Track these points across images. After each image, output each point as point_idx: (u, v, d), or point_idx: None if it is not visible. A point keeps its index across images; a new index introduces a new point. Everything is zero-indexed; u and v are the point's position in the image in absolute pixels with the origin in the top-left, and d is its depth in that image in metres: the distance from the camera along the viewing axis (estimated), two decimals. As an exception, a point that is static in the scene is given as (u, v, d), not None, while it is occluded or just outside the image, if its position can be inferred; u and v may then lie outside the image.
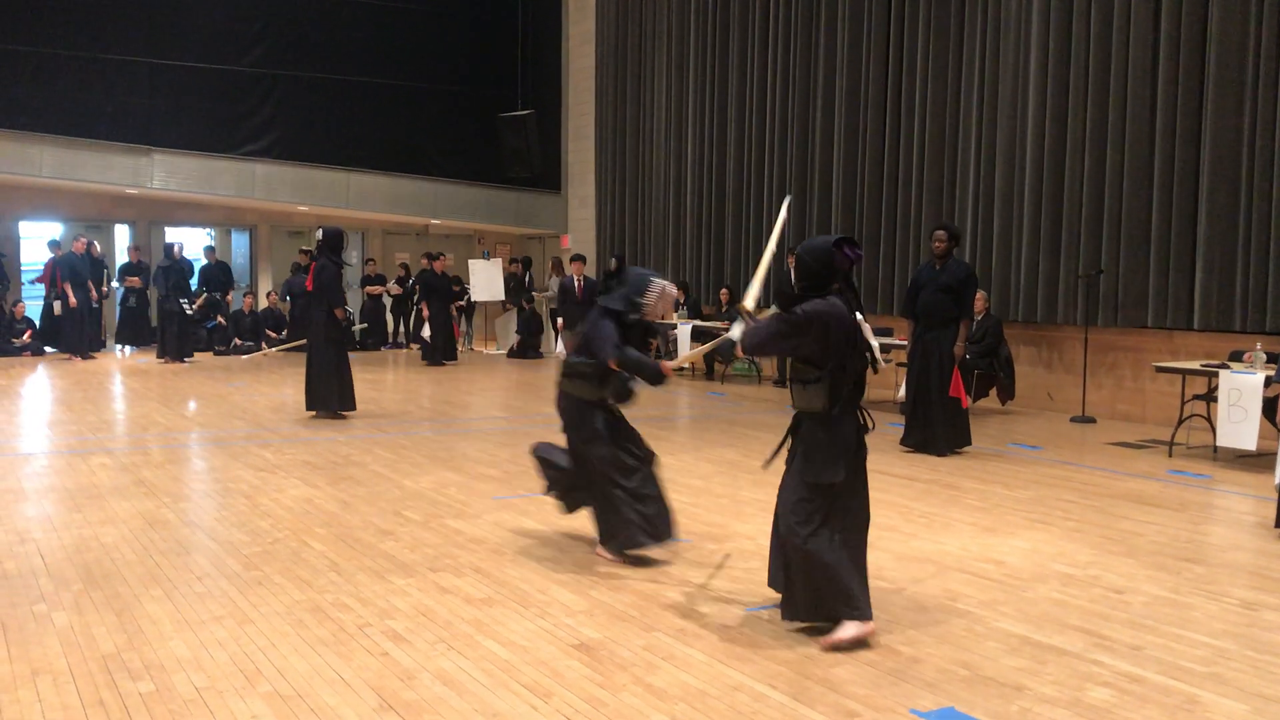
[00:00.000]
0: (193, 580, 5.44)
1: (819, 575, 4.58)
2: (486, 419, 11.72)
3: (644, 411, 12.15)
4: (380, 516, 6.88)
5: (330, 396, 11.02)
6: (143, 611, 4.94)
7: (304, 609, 5.01)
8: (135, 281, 18.45)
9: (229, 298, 19.60)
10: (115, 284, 18.69)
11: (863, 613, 4.59)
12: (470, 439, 10.12)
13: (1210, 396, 9.38)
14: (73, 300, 17.24)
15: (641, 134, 19.77)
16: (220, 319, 19.00)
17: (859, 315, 4.77)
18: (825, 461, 4.64)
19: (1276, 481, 6.78)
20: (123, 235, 20.82)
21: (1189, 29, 10.97)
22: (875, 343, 4.84)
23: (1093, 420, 11.54)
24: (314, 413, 11.09)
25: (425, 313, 18.11)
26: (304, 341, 11.73)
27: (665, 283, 6.07)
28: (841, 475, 4.63)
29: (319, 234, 11.27)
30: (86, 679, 4.13)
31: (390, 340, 20.82)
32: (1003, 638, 4.72)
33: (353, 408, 11.17)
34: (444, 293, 18.10)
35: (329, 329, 11.03)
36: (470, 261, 19.42)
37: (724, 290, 16.58)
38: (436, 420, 11.32)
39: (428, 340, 17.78)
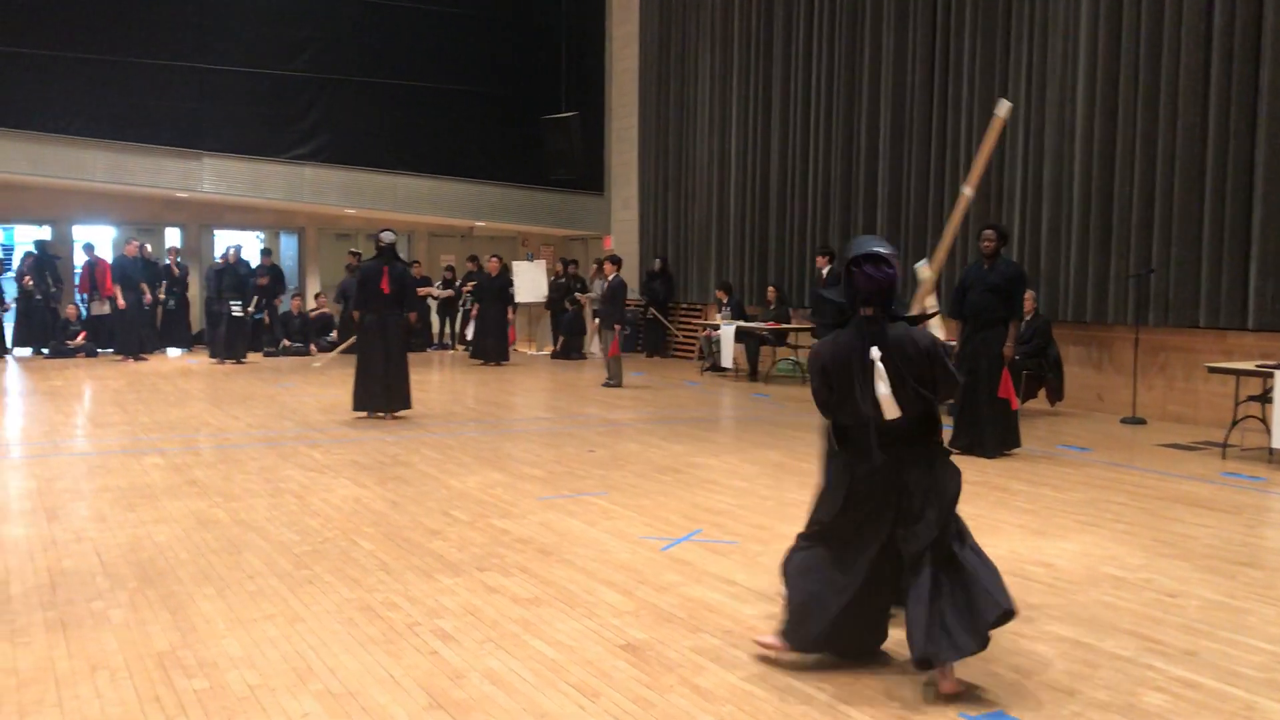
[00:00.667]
0: (244, 579, 5.52)
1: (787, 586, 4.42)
2: (531, 420, 11.77)
3: (687, 412, 12.17)
4: (428, 516, 6.94)
5: (396, 397, 11.19)
6: (196, 609, 5.01)
7: (354, 607, 5.06)
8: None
9: (278, 300, 19.83)
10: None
11: (789, 639, 4.33)
12: (515, 439, 10.17)
13: (1265, 398, 9.22)
14: (122, 302, 17.54)
15: (685, 135, 19.78)
16: (265, 318, 19.13)
17: (875, 352, 4.10)
18: (822, 499, 4.44)
19: None
20: (173, 238, 21.13)
21: (1242, 22, 10.79)
22: (885, 390, 4.09)
23: (1143, 421, 11.39)
24: (365, 413, 11.18)
25: (473, 313, 18.29)
26: (352, 340, 11.82)
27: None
28: (828, 515, 4.29)
29: (387, 236, 11.28)
30: (143, 675, 4.20)
31: (436, 341, 20.98)
32: (1053, 641, 4.67)
33: (409, 405, 11.40)
34: (496, 294, 18.23)
35: (400, 331, 11.27)
36: (514, 263, 19.51)
37: (770, 289, 16.54)
38: (482, 421, 11.39)
39: (471, 339, 18.03)
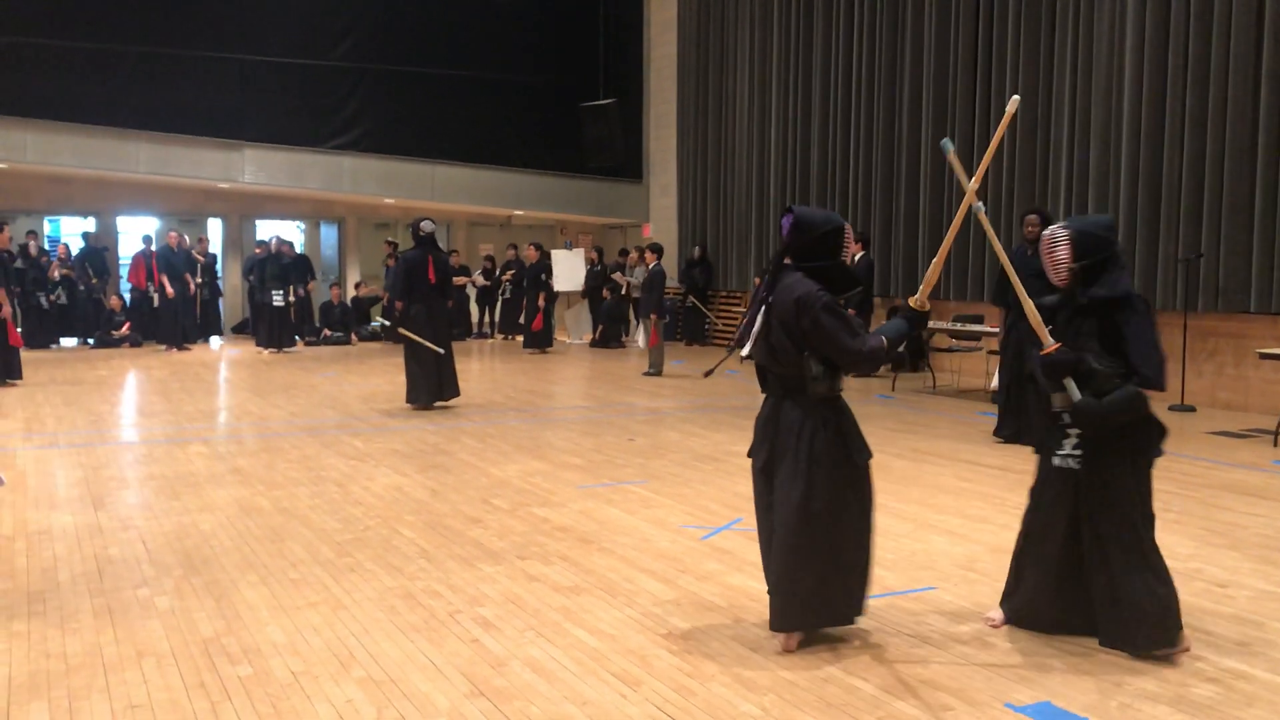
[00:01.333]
0: (287, 567, 5.55)
1: None
2: (570, 408, 11.78)
3: (728, 401, 12.12)
4: (468, 504, 6.95)
5: (448, 386, 11.15)
6: (240, 597, 5.05)
7: (396, 595, 5.07)
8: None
9: (310, 288, 19.94)
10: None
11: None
12: (555, 428, 10.18)
13: (1318, 384, 9.04)
14: (170, 291, 17.75)
15: (724, 122, 19.67)
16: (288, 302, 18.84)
17: (768, 300, 4.38)
18: None
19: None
20: (215, 229, 21.34)
21: (1295, 2, 10.57)
22: (755, 329, 4.42)
23: (1192, 409, 11.21)
24: (418, 405, 11.09)
25: (540, 303, 18.30)
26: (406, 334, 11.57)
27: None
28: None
29: (427, 225, 11.22)
30: (188, 661, 4.24)
31: (476, 330, 21.05)
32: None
33: (458, 393, 11.38)
34: (533, 282, 18.33)
35: (448, 320, 11.25)
36: (553, 252, 19.51)
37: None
38: (522, 410, 11.41)
39: (529, 329, 18.13)
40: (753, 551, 5.82)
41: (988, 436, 9.53)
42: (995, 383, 10.50)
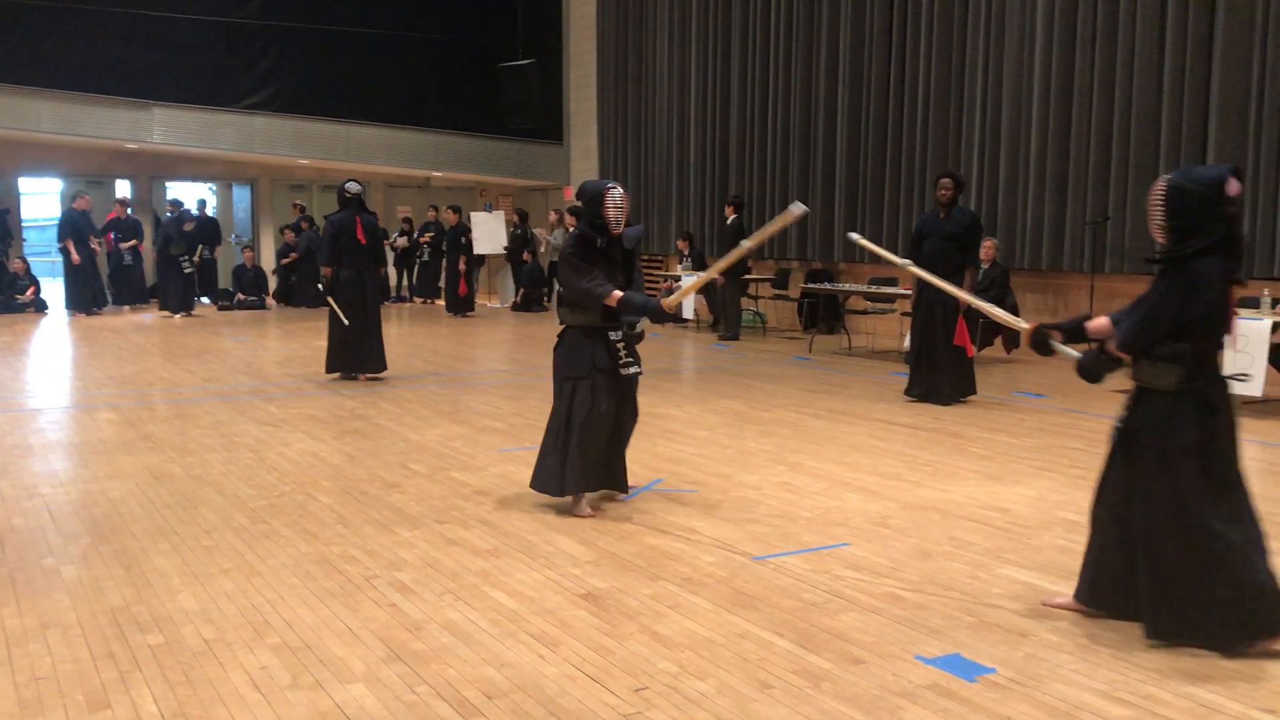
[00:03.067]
0: (200, 534, 5.46)
1: None
2: (491, 372, 11.72)
3: (649, 364, 12.15)
4: (386, 469, 6.90)
5: (375, 358, 10.57)
6: (151, 565, 4.96)
7: (311, 561, 5.03)
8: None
9: (217, 253, 19.52)
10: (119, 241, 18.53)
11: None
12: (475, 392, 10.12)
13: (1217, 343, 9.33)
14: (75, 257, 17.23)
15: (645, 83, 19.59)
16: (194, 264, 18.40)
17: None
18: None
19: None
20: (124, 190, 20.74)
21: (1199, -30, 10.82)
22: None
23: (1098, 368, 11.50)
24: (339, 375, 10.60)
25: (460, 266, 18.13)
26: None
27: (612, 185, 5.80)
28: None
29: (353, 186, 10.58)
30: (96, 632, 4.16)
31: (394, 294, 20.80)
32: (1008, 584, 4.73)
33: (385, 367, 10.79)
34: (453, 245, 18.18)
35: (378, 287, 10.78)
36: (472, 214, 19.32)
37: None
38: (442, 374, 11.32)
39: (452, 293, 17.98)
40: (671, 511, 5.88)
41: (900, 396, 9.71)
42: (908, 343, 10.68)
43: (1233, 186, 3.99)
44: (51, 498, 6.15)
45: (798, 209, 5.23)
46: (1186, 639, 4.03)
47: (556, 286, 6.08)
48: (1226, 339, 4.11)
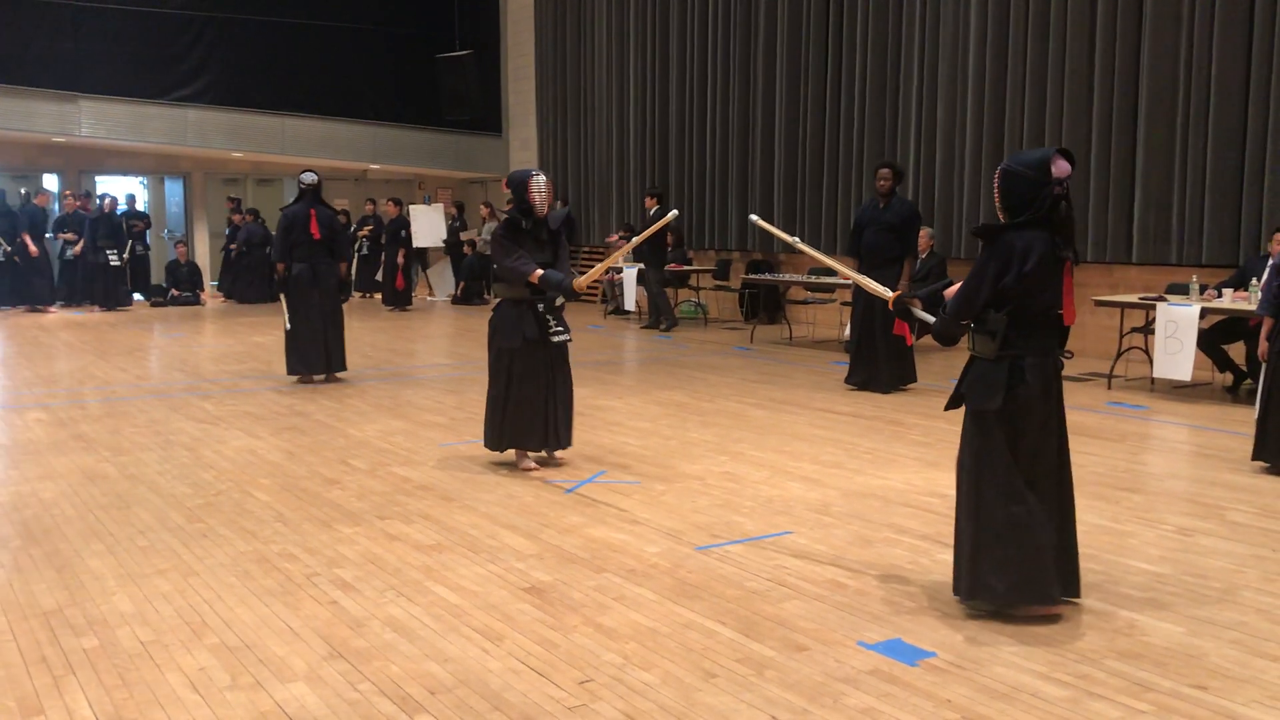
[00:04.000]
0: (135, 534, 5.36)
1: None
2: (432, 366, 11.64)
3: (591, 356, 12.14)
4: (326, 466, 6.82)
5: (335, 357, 10.13)
6: (84, 567, 4.86)
7: (250, 560, 4.96)
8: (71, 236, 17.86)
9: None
10: (50, 236, 18.09)
11: None
12: (416, 387, 10.04)
13: (1148, 329, 9.53)
14: (34, 250, 16.90)
15: (583, 74, 19.53)
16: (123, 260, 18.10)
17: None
18: None
19: (1256, 415, 6.78)
20: (51, 184, 20.25)
21: (1127, -37, 11.02)
22: None
23: (1033, 355, 11.67)
24: (300, 377, 10.04)
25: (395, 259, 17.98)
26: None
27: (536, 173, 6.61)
28: None
29: (308, 177, 10.16)
30: (27, 636, 4.07)
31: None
32: (947, 570, 4.77)
33: (345, 367, 10.36)
34: (392, 238, 18.02)
35: (335, 282, 10.26)
36: (411, 207, 19.14)
37: (669, 233, 16.45)
38: (382, 368, 11.22)
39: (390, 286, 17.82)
40: (615, 503, 5.89)
41: (840, 384, 9.79)
42: (848, 332, 10.77)
43: (1059, 167, 4.23)
44: (-21, 500, 6.00)
45: (672, 214, 6.56)
46: (979, 596, 4.22)
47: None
48: (1059, 314, 4.36)
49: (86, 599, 4.46)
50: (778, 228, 6.26)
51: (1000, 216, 4.34)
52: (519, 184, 6.49)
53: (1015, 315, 4.21)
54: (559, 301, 6.60)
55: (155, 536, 5.33)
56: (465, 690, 3.60)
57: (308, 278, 9.97)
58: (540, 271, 6.40)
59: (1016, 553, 4.13)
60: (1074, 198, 12.08)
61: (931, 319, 4.65)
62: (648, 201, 15.11)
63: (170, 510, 5.80)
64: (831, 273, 12.76)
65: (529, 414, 6.53)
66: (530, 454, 6.73)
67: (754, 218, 6.06)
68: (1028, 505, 4.15)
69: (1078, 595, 4.33)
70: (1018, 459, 4.19)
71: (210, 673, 3.74)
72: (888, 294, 4.97)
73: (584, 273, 6.91)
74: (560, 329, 6.56)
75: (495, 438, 6.65)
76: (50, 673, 3.75)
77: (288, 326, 10.02)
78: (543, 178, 6.54)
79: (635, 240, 6.94)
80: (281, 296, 10.13)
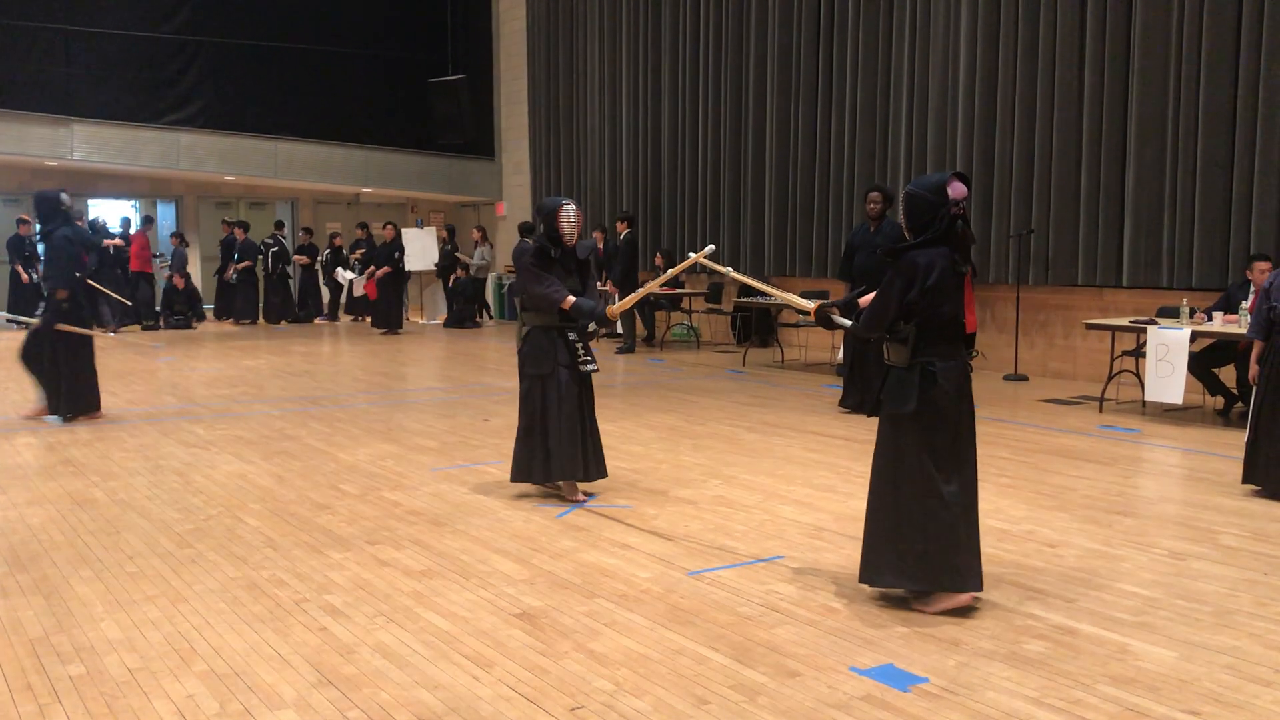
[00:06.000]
0: (124, 560, 5.33)
1: None
2: (424, 390, 11.61)
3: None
4: (316, 491, 6.79)
5: (85, 395, 9.29)
6: (72, 593, 4.82)
7: (239, 586, 4.93)
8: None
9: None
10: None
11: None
12: (407, 410, 10.02)
13: (1139, 352, 9.56)
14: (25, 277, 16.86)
15: (575, 98, 19.60)
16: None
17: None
18: None
19: (1247, 438, 6.77)
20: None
21: (1115, -11, 11.11)
22: None
23: (1025, 378, 11.72)
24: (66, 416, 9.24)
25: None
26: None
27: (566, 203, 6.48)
28: None
29: (64, 198, 9.68)
30: (13, 663, 4.03)
31: (325, 311, 20.51)
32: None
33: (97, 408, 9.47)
34: (386, 262, 18.03)
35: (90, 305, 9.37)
36: (404, 230, 19.16)
37: (658, 255, 16.50)
38: (373, 392, 11.20)
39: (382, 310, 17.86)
40: (607, 528, 5.87)
41: (833, 408, 9.79)
42: (840, 355, 10.78)
43: (954, 189, 4.55)
44: (-33, 525, 5.96)
45: (709, 249, 6.19)
46: (886, 582, 4.61)
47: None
48: (962, 321, 4.65)
49: (74, 625, 4.42)
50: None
51: (907, 235, 4.68)
52: (549, 213, 6.40)
53: (923, 325, 4.55)
54: (592, 328, 6.56)
55: (144, 562, 5.29)
56: (455, 717, 3.58)
57: (75, 307, 9.17)
58: (572, 299, 6.33)
59: (932, 545, 4.48)
60: (1064, 221, 12.19)
61: (849, 323, 4.96)
62: (619, 226, 15.18)
63: (159, 536, 5.77)
64: (825, 295, 12.79)
65: (571, 442, 6.38)
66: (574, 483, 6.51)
67: (710, 249, 6.26)
68: (943, 499, 4.49)
69: (980, 589, 4.58)
70: (936, 456, 4.52)
71: (198, 700, 3.71)
72: (808, 305, 5.19)
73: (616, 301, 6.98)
74: (589, 358, 6.50)
75: (525, 469, 6.50)
76: (36, 700, 3.72)
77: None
78: (573, 207, 6.43)
79: (670, 272, 6.68)
80: (70, 328, 9.09)
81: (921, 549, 4.49)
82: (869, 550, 4.68)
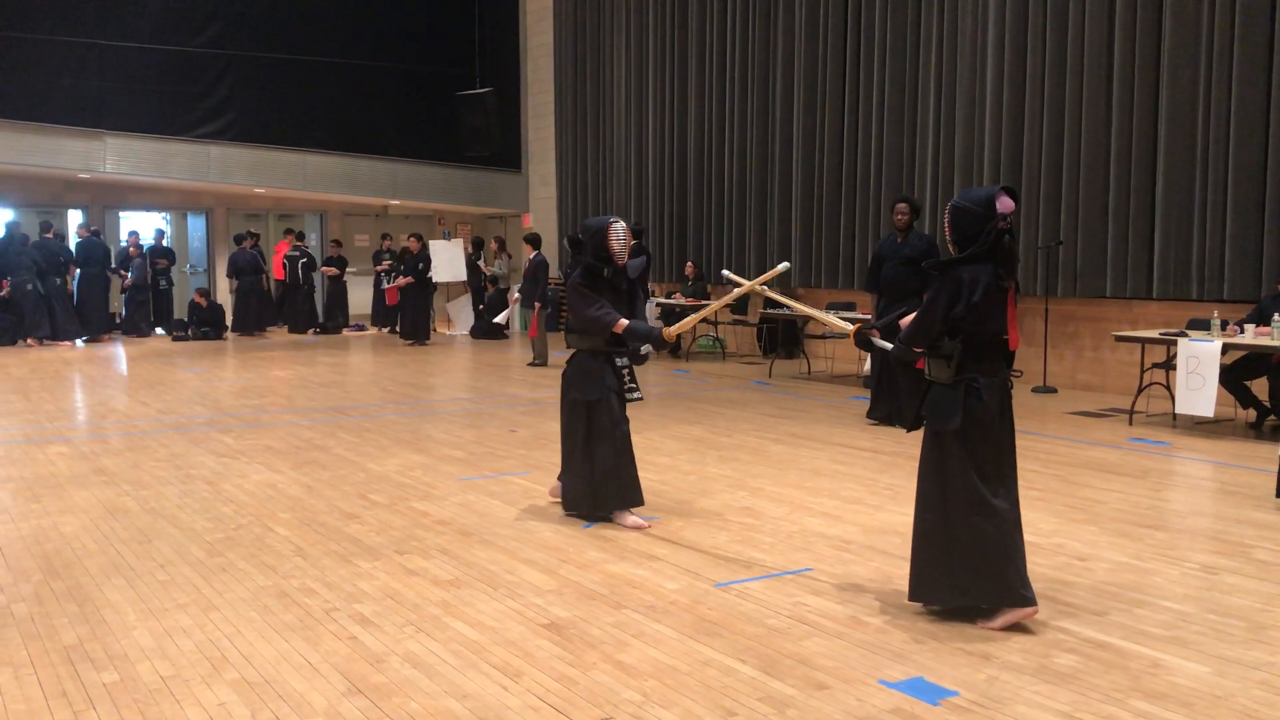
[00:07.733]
0: (155, 568, 5.38)
1: None
2: (451, 400, 11.66)
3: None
4: (345, 500, 6.83)
5: None
6: (105, 601, 4.87)
7: (269, 594, 4.96)
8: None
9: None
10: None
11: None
12: (435, 421, 10.07)
13: (1169, 365, 9.48)
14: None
15: (602, 111, 19.67)
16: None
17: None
18: None
19: None
20: (76, 220, 20.47)
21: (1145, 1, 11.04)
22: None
23: (1054, 390, 11.65)
24: None
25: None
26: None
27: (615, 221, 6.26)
28: None
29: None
30: (48, 670, 4.07)
31: (353, 322, 20.64)
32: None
33: None
34: (414, 273, 18.12)
35: None
36: (431, 242, 19.26)
37: (689, 265, 16.52)
38: (401, 403, 11.25)
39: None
40: (634, 539, 5.87)
41: (861, 420, 9.76)
42: (868, 367, 10.75)
43: (1003, 203, 4.50)
44: (2, 534, 6.03)
45: (784, 266, 5.78)
46: (938, 599, 4.59)
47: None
48: (1006, 338, 4.61)
49: (107, 633, 4.46)
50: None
51: (950, 249, 4.65)
52: (597, 232, 6.12)
53: (966, 341, 4.53)
54: (644, 350, 6.29)
55: (175, 570, 5.34)
56: (484, 727, 3.59)
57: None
58: (625, 322, 6.04)
59: (984, 562, 4.46)
60: (1093, 232, 12.13)
61: (889, 346, 4.93)
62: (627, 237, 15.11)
63: (190, 544, 5.81)
64: (852, 306, 12.75)
65: (629, 469, 6.17)
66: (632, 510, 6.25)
67: (726, 272, 6.29)
68: (994, 513, 4.47)
69: (1035, 603, 4.54)
70: (982, 472, 4.50)
71: (230, 708, 3.74)
72: (848, 327, 5.16)
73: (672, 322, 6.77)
74: (634, 385, 6.28)
75: (587, 501, 6.21)
76: (70, 707, 3.75)
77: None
78: (621, 224, 6.17)
79: (737, 292, 6.33)
80: None
81: (976, 564, 4.46)
82: (920, 568, 4.62)
